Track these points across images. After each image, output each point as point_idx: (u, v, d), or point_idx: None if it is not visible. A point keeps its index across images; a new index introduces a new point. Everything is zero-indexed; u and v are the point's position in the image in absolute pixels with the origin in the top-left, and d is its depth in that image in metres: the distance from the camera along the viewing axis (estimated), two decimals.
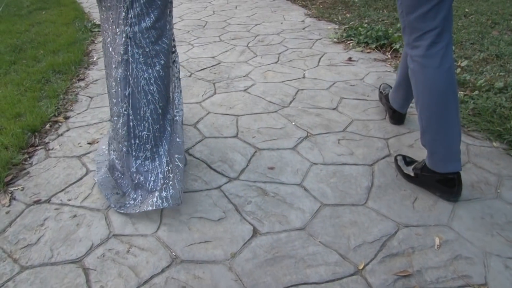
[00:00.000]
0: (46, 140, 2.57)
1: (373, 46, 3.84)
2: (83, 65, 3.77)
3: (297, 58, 3.64)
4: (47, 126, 2.72)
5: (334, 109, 2.75)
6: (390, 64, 3.47)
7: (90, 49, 4.22)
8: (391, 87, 2.72)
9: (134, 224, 1.85)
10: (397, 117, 2.57)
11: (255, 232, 1.78)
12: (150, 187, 1.93)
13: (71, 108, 2.95)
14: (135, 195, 1.96)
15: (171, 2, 1.92)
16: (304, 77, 3.24)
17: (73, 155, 2.40)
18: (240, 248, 1.71)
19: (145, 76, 1.86)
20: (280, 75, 3.29)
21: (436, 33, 1.79)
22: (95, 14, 5.70)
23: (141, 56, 1.84)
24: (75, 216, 1.93)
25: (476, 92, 2.86)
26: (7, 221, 1.92)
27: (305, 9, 5.33)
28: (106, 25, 1.93)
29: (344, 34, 4.15)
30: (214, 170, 2.18)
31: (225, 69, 3.44)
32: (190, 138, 2.47)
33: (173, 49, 2.00)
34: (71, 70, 3.59)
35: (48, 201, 2.04)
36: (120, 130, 1.92)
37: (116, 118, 1.94)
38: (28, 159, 2.40)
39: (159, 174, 1.93)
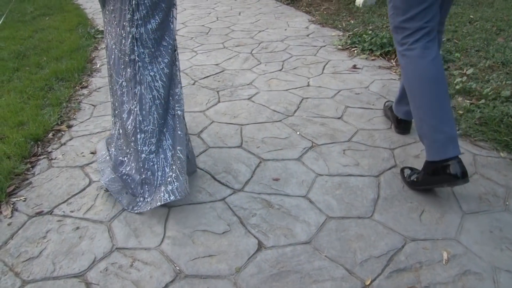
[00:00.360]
0: (49, 149, 2.56)
1: (378, 53, 3.82)
2: (86, 72, 3.75)
3: (302, 65, 3.61)
4: (50, 135, 2.70)
5: (339, 118, 2.73)
6: (395, 72, 3.44)
7: (93, 55, 4.21)
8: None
9: (137, 237, 1.83)
10: (403, 126, 2.54)
11: (260, 246, 1.76)
12: (158, 182, 1.99)
13: (74, 117, 2.94)
14: (141, 190, 2.02)
15: (175, 4, 1.98)
16: (308, 85, 3.22)
17: (76, 165, 2.38)
18: (245, 263, 1.68)
19: (151, 74, 1.95)
20: (285, 83, 3.27)
21: (424, 32, 1.93)
22: (98, 20, 5.69)
23: (146, 56, 1.93)
24: (77, 228, 1.90)
25: (483, 100, 2.83)
26: (9, 233, 1.89)
27: (309, 16, 5.32)
28: (109, 28, 1.99)
29: (349, 41, 4.13)
30: (218, 181, 2.16)
31: (229, 77, 3.42)
32: (194, 148, 2.44)
33: (175, 48, 2.04)
34: (74, 78, 3.58)
35: (50, 212, 2.02)
36: (129, 126, 2.01)
37: (126, 116, 2.01)
38: (31, 168, 2.38)
39: (165, 168, 1.99)
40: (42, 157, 2.48)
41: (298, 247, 1.75)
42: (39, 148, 2.56)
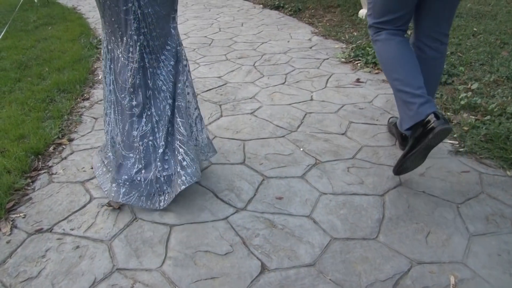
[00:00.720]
0: (50, 163, 2.53)
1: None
2: (88, 83, 3.74)
3: (305, 78, 3.59)
4: (51, 149, 2.68)
5: (343, 134, 2.70)
6: None
7: (95, 66, 4.19)
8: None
9: (138, 257, 1.80)
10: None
11: (263, 268, 1.72)
12: (173, 171, 2.11)
13: (75, 130, 2.91)
14: (157, 185, 2.12)
15: (176, 11, 2.13)
16: (311, 99, 3.19)
17: (76, 180, 2.35)
18: (248, 286, 1.65)
19: (161, 78, 2.10)
20: (288, 97, 3.24)
21: (395, 30, 2.21)
22: (101, 30, 5.68)
23: (154, 61, 2.08)
24: (77, 247, 1.87)
25: (488, 117, 2.80)
26: (7, 251, 1.86)
27: (312, 27, 5.30)
28: (113, 37, 2.07)
29: (352, 54, 4.11)
30: (221, 199, 2.13)
31: (232, 90, 3.40)
32: None
33: (179, 47, 2.18)
34: (75, 89, 3.56)
35: (50, 230, 1.99)
36: (144, 127, 2.13)
37: (136, 119, 2.12)
38: (31, 183, 2.35)
39: (177, 156, 2.09)
40: (42, 171, 2.45)
41: (302, 269, 1.71)
42: (40, 163, 2.54)
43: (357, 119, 2.88)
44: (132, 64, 2.05)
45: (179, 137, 2.09)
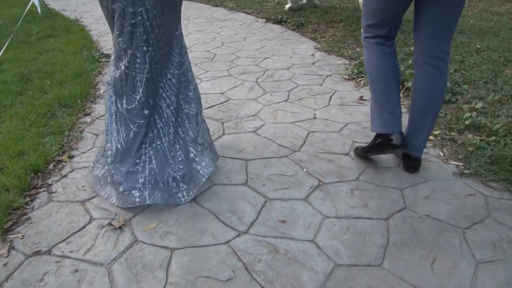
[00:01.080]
0: (49, 181, 2.50)
1: None
2: (90, 98, 3.72)
3: (308, 96, 3.57)
4: (51, 166, 2.65)
5: (346, 154, 2.67)
6: (402, 104, 3.39)
7: (97, 80, 4.18)
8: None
9: (138, 282, 1.76)
10: (412, 164, 2.48)
11: None
12: (189, 169, 2.29)
13: (76, 146, 2.88)
14: (174, 183, 2.25)
15: (180, 25, 2.28)
16: (315, 118, 3.17)
17: (76, 199, 2.32)
18: None
19: (166, 87, 2.24)
20: (290, 115, 3.22)
21: (384, 39, 2.36)
22: (103, 43, 5.69)
23: (159, 70, 2.19)
24: (76, 271, 1.84)
25: (493, 137, 2.77)
26: (4, 274, 1.83)
27: (315, 42, 5.29)
28: (118, 50, 2.17)
29: (355, 71, 4.09)
30: (223, 222, 2.09)
31: (234, 107, 3.37)
32: None
33: (185, 57, 2.33)
34: (77, 104, 3.54)
35: (48, 252, 1.95)
36: (150, 134, 2.26)
37: (143, 127, 2.24)
38: (30, 202, 2.32)
39: (190, 163, 2.30)
40: (42, 190, 2.42)
41: None
42: (39, 180, 2.51)
43: (360, 139, 2.85)
44: (141, 75, 2.15)
45: (188, 139, 2.30)
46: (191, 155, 2.30)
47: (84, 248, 1.97)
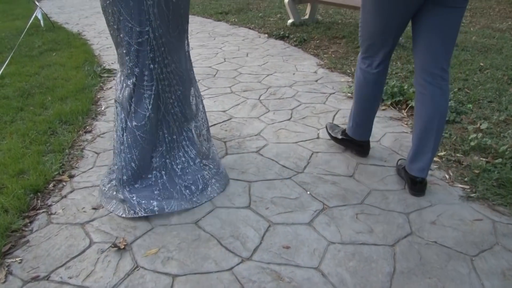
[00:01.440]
0: (49, 202, 2.46)
1: (388, 102, 3.74)
2: (91, 115, 3.69)
3: (311, 114, 3.54)
4: (51, 186, 2.61)
5: (350, 176, 2.63)
6: (406, 124, 3.36)
7: (98, 96, 4.15)
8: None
9: None
10: (418, 188, 2.44)
11: None
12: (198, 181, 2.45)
13: (76, 165, 2.85)
14: (187, 191, 2.39)
15: (188, 44, 2.42)
16: (318, 137, 3.13)
17: (76, 222, 2.27)
18: None
19: (174, 104, 2.37)
20: (294, 134, 3.18)
21: (378, 60, 2.51)
22: (105, 57, 5.67)
23: (166, 87, 2.29)
24: None
25: (499, 159, 2.74)
26: None
27: (317, 59, 5.27)
28: (125, 69, 2.24)
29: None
30: (225, 247, 2.05)
31: (237, 126, 3.34)
32: (200, 208, 2.34)
33: (190, 73, 2.49)
34: (78, 121, 3.51)
35: (47, 277, 1.91)
36: (159, 149, 2.37)
37: (152, 142, 2.37)
38: (29, 224, 2.28)
39: (196, 168, 2.50)
40: (41, 211, 2.38)
41: None
42: (39, 201, 2.47)
43: (365, 160, 2.81)
44: (149, 92, 2.23)
45: (195, 152, 2.48)
46: (199, 165, 2.48)
47: (84, 273, 1.92)
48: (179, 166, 2.41)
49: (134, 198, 2.29)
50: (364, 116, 2.69)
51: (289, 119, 3.46)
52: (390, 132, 3.21)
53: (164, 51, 2.20)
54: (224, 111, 3.64)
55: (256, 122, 3.40)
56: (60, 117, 3.56)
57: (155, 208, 2.27)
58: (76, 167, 2.83)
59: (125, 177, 2.33)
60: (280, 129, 3.27)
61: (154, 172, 2.37)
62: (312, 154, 2.90)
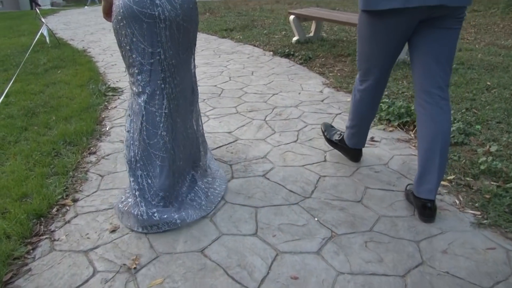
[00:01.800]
0: (52, 227, 2.42)
1: (396, 123, 3.71)
2: (95, 135, 3.66)
3: (317, 136, 3.50)
4: (54, 210, 2.58)
5: (359, 201, 2.58)
6: (414, 146, 3.31)
7: (103, 116, 4.13)
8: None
9: None
10: (428, 213, 2.39)
11: None
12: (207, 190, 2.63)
13: (80, 189, 2.81)
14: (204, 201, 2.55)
15: (195, 65, 2.54)
16: (325, 160, 3.09)
17: (79, 249, 2.23)
18: None
19: (185, 123, 2.52)
20: (300, 157, 3.14)
21: (375, 82, 2.58)
22: (110, 75, 5.67)
23: (176, 106, 2.40)
24: None
25: (511, 184, 2.68)
26: None
27: (323, 77, 5.25)
28: (136, 88, 2.36)
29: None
30: (232, 278, 2.00)
31: (242, 148, 3.30)
32: (206, 235, 2.29)
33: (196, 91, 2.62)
34: (82, 142, 3.48)
35: None
36: (174, 166, 2.45)
37: (165, 160, 2.41)
38: (31, 251, 2.24)
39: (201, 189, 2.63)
40: (44, 237, 2.34)
41: None
42: (42, 226, 2.43)
43: (373, 184, 2.76)
44: (160, 111, 2.30)
45: (204, 169, 2.68)
46: (207, 184, 2.64)
47: None
48: (186, 184, 2.55)
49: (156, 214, 2.32)
50: (359, 128, 2.82)
51: (295, 141, 3.42)
52: (398, 155, 3.16)
53: (174, 72, 2.31)
54: (229, 132, 3.61)
55: (262, 144, 3.37)
56: (64, 138, 3.53)
57: (178, 221, 2.33)
58: (80, 191, 2.79)
59: (146, 195, 2.36)
60: (286, 152, 3.23)
61: (169, 188, 2.44)
62: (319, 178, 2.85)
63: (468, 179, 2.79)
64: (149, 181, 2.36)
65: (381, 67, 2.51)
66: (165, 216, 2.32)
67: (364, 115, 2.75)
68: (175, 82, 2.33)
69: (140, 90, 2.29)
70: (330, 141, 3.14)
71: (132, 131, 2.37)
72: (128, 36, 2.21)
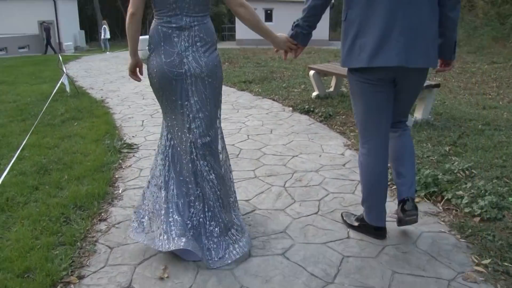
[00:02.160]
0: None
1: (422, 194, 3.50)
2: (107, 199, 3.52)
3: (340, 207, 3.30)
4: None
5: None
6: (443, 221, 3.10)
7: (116, 176, 4.00)
8: None
9: None
10: (409, 214, 2.66)
11: None
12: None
13: (87, 263, 2.64)
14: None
15: (220, 118, 2.77)
16: (348, 237, 2.89)
17: None
18: None
19: (211, 172, 2.68)
20: (322, 232, 2.94)
21: (376, 144, 2.68)
22: (126, 129, 5.60)
23: (202, 156, 2.64)
24: None
25: None
26: None
27: (344, 137, 5.09)
28: (168, 133, 2.76)
29: (389, 177, 3.82)
30: None
31: (261, 220, 3.12)
32: None
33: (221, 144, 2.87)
34: (93, 206, 3.34)
35: None
36: (197, 207, 2.69)
37: (192, 201, 2.72)
38: None
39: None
40: None
41: None
42: None
43: (401, 268, 2.54)
44: (185, 156, 2.63)
45: (228, 219, 2.75)
46: (230, 236, 2.71)
47: None
48: (210, 228, 2.67)
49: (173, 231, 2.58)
50: (373, 200, 2.77)
51: (316, 213, 3.23)
52: (426, 232, 2.95)
53: (201, 125, 2.56)
54: (247, 201, 3.44)
55: (281, 215, 3.18)
56: (75, 201, 3.39)
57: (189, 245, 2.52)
58: (87, 265, 2.62)
59: (169, 219, 2.61)
60: (307, 225, 3.04)
61: (189, 224, 2.65)
62: (342, 258, 2.64)
63: (506, 264, 2.56)
64: (177, 218, 2.66)
65: (378, 126, 2.64)
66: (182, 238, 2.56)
67: (374, 182, 2.73)
68: (200, 133, 2.57)
69: (170, 136, 2.69)
70: (351, 226, 3.01)
71: (161, 164, 2.75)
72: (163, 92, 2.59)
